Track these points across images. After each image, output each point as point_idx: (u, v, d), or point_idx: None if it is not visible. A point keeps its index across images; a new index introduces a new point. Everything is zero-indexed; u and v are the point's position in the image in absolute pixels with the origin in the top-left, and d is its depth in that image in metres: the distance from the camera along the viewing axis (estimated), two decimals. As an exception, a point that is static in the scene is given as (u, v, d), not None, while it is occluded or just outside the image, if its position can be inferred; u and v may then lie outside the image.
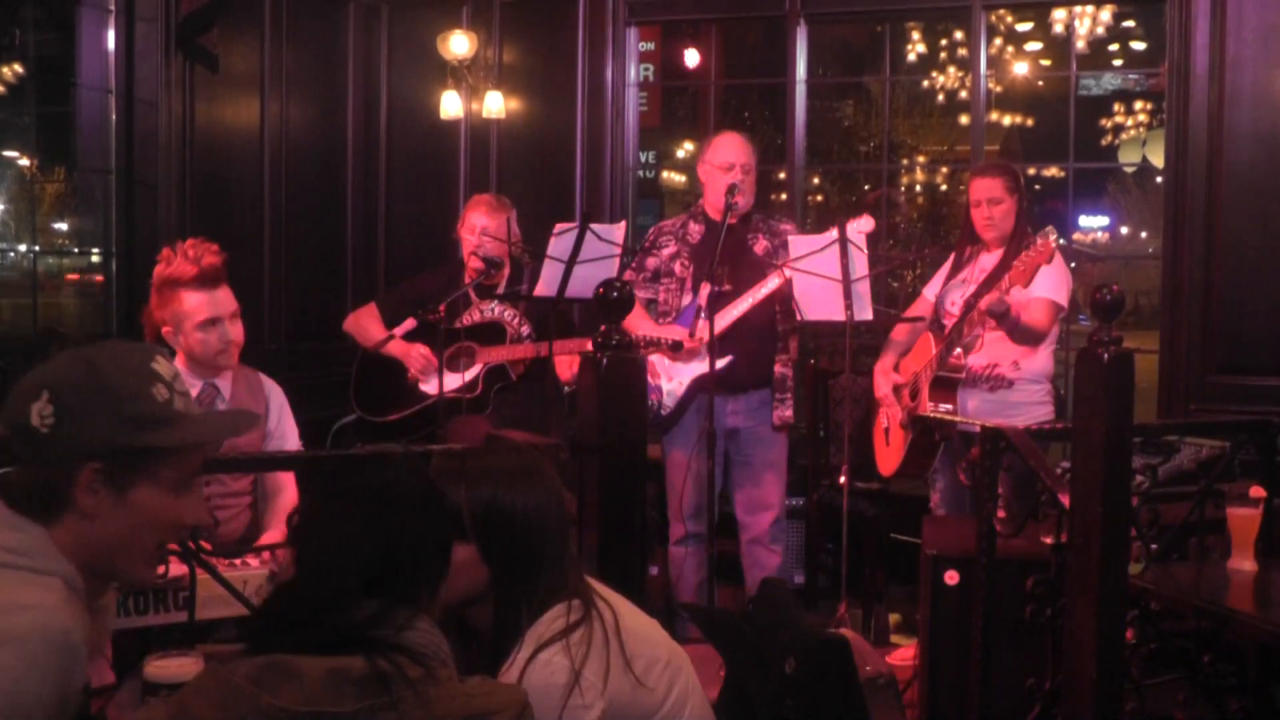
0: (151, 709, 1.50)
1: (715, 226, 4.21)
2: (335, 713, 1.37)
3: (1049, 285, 3.96)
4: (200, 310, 3.12)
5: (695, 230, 4.36)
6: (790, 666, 2.03)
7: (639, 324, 4.24)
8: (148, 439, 1.53)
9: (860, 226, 4.06)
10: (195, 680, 1.44)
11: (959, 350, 4.07)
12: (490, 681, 1.56)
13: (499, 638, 1.87)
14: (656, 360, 4.28)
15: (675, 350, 4.06)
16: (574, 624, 1.85)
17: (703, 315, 4.09)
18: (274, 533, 3.11)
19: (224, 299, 3.16)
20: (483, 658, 1.90)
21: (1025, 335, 3.93)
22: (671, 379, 4.26)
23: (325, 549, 1.50)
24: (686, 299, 4.29)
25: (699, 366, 4.15)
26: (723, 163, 4.25)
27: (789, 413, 4.28)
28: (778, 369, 4.27)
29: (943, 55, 9.91)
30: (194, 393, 3.15)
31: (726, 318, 4.14)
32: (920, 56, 9.64)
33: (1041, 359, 4.08)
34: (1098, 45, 8.16)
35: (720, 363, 4.09)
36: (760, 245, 4.27)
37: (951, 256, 4.34)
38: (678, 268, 4.33)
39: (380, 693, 1.39)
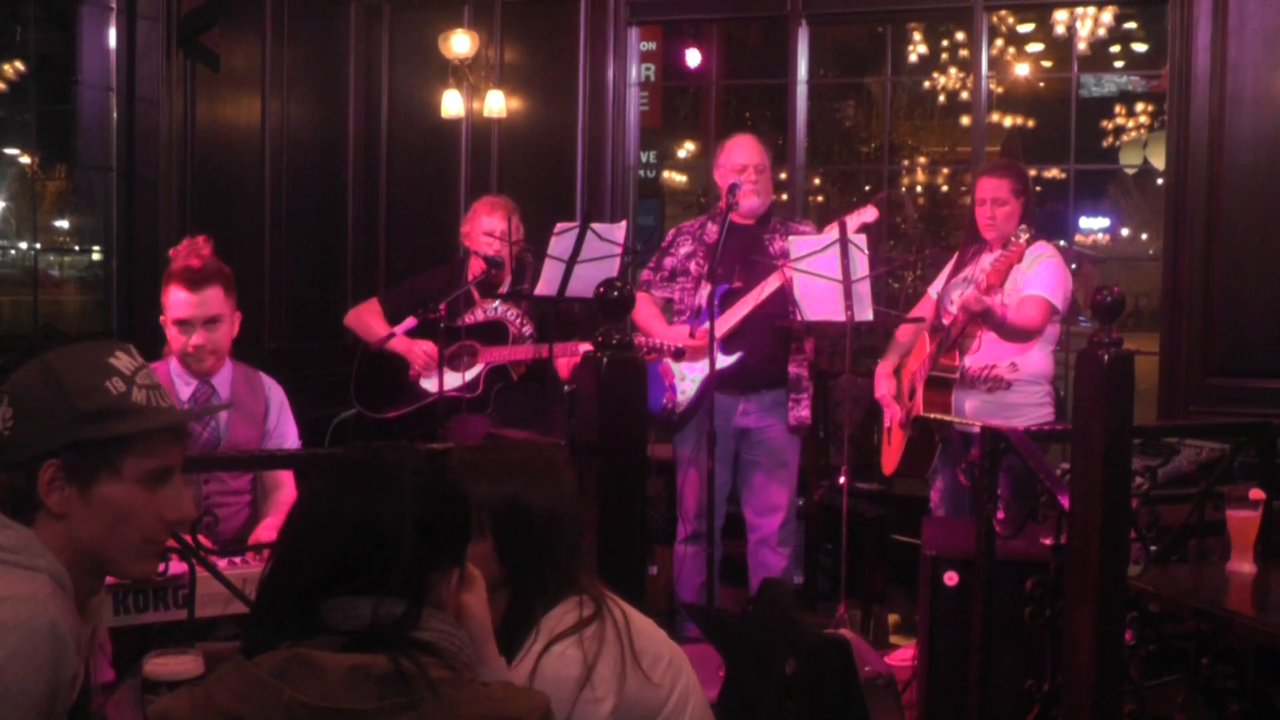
0: (176, 698, 1.51)
1: (732, 227, 4.21)
2: (354, 710, 1.38)
3: (1043, 283, 3.96)
4: (177, 308, 3.12)
5: (712, 230, 4.35)
6: (791, 667, 2.03)
7: (651, 325, 4.25)
8: (95, 431, 1.53)
9: (864, 216, 4.06)
10: (219, 671, 1.45)
11: (955, 350, 4.07)
12: (513, 686, 1.56)
13: (510, 633, 1.88)
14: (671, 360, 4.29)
15: (678, 357, 4.06)
16: (587, 619, 1.87)
17: (703, 315, 4.10)
18: (273, 531, 3.10)
19: (206, 302, 3.11)
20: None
21: (1015, 333, 3.94)
22: (685, 378, 4.27)
23: (304, 534, 1.49)
24: (700, 298, 4.29)
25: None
26: (735, 165, 4.25)
27: (805, 413, 4.27)
28: (792, 369, 4.26)
29: (944, 56, 9.90)
30: (188, 391, 3.15)
31: (732, 318, 4.15)
32: (921, 57, 9.63)
33: (1040, 360, 4.08)
34: (1099, 47, 8.15)
35: (728, 360, 4.09)
36: (776, 245, 4.25)
37: (955, 255, 4.34)
38: (693, 267, 4.34)
39: (401, 692, 1.39)
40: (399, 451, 1.58)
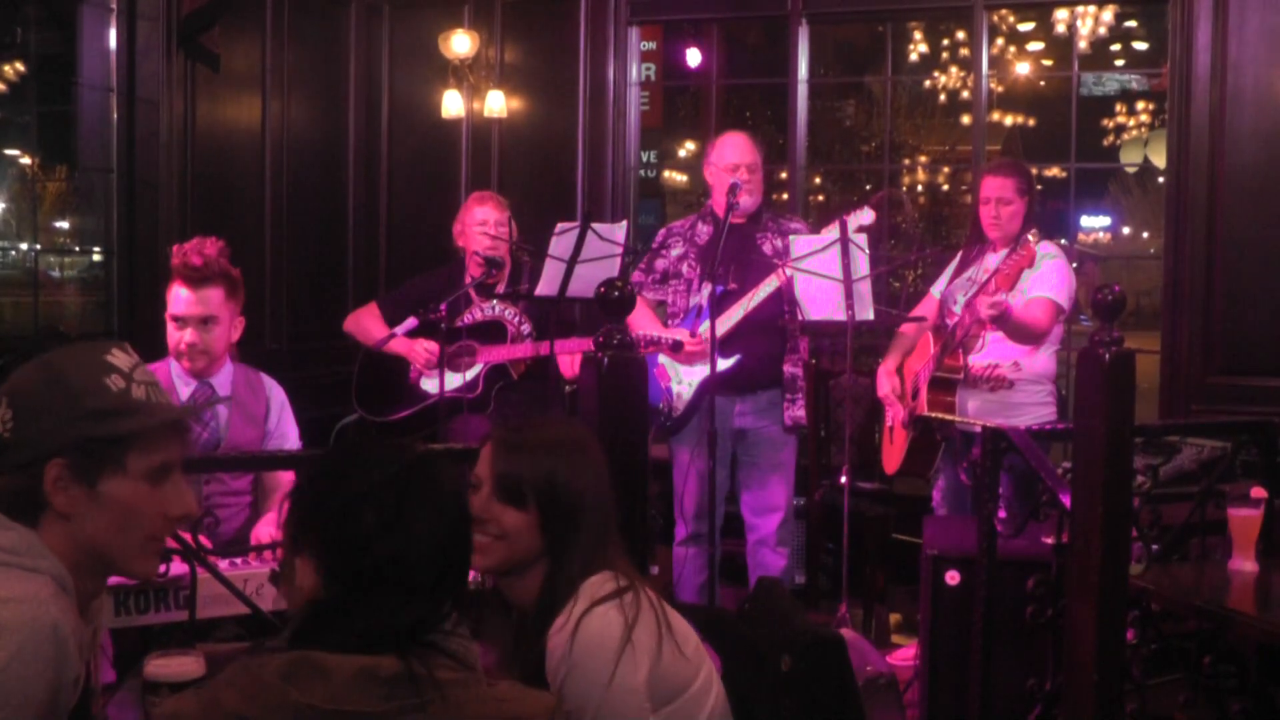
0: (182, 699, 1.51)
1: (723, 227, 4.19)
2: (361, 712, 1.38)
3: (1050, 285, 3.96)
4: (175, 304, 3.11)
5: (703, 231, 4.32)
6: (786, 664, 2.04)
7: (645, 325, 4.24)
8: (103, 429, 1.53)
9: (861, 219, 4.05)
10: (226, 673, 1.45)
11: (960, 350, 4.07)
12: (520, 687, 1.57)
13: (549, 603, 1.92)
14: (667, 363, 4.27)
15: (675, 350, 4.05)
16: (624, 588, 1.91)
17: (704, 316, 4.09)
18: (270, 528, 3.09)
19: (203, 301, 3.09)
20: (520, 626, 1.98)
21: (1024, 335, 3.94)
22: (682, 381, 4.26)
23: (354, 541, 1.49)
24: (694, 300, 4.28)
25: (707, 368, 4.14)
26: (728, 165, 4.21)
27: (800, 413, 4.25)
28: (787, 369, 4.24)
29: (944, 55, 9.91)
30: (188, 391, 3.14)
31: (729, 319, 4.13)
32: (922, 56, 9.64)
33: (1042, 359, 4.07)
34: (1100, 45, 8.16)
35: (727, 363, 4.08)
36: (769, 245, 4.23)
37: (959, 254, 4.33)
38: (685, 269, 4.31)
39: (408, 694, 1.39)
40: (438, 456, 1.60)
